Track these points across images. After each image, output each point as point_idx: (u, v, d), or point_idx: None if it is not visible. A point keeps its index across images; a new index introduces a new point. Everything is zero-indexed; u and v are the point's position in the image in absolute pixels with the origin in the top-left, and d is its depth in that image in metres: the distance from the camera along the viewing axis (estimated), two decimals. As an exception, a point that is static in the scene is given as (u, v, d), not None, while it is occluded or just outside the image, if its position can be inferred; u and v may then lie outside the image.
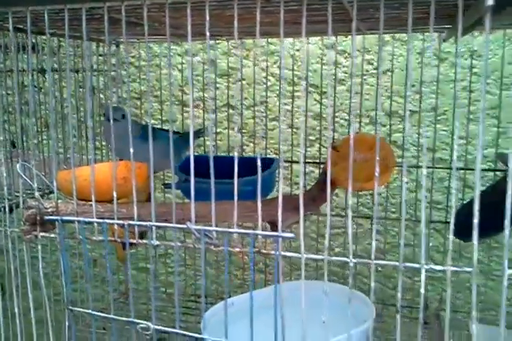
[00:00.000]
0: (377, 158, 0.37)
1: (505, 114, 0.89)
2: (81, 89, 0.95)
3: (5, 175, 0.43)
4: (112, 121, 0.42)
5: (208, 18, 0.34)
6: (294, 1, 0.37)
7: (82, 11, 0.39)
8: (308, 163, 0.95)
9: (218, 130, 1.04)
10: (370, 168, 0.70)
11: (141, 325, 0.39)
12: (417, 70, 0.91)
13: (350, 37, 0.92)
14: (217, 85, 1.03)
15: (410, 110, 0.95)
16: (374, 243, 0.35)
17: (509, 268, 0.34)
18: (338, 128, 0.98)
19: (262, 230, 0.39)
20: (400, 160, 0.97)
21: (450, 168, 0.91)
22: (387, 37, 0.91)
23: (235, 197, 0.39)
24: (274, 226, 0.62)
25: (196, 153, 1.01)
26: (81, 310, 0.42)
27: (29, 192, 0.52)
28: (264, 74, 0.99)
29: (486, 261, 0.90)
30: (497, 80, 0.90)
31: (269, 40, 0.97)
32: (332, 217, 0.96)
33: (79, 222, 0.40)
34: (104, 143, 0.93)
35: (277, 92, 1.00)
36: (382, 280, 1.02)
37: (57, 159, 0.53)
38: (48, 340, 0.50)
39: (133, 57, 1.07)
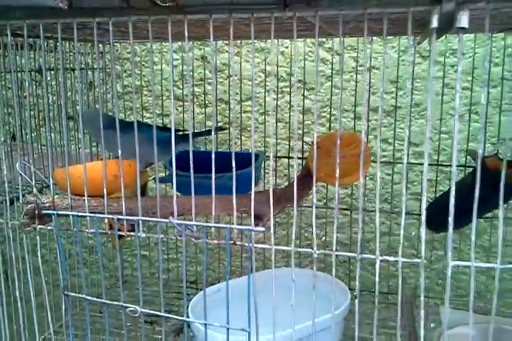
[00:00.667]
0: (363, 152, 0.41)
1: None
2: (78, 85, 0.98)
3: (5, 171, 0.47)
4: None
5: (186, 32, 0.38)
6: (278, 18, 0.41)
7: (74, 24, 0.43)
8: (292, 158, 0.99)
9: (210, 124, 1.08)
10: (346, 164, 0.74)
11: (130, 309, 0.44)
12: (400, 67, 0.95)
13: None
14: (210, 81, 1.07)
15: (393, 106, 0.99)
16: (335, 235, 0.39)
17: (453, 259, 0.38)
18: (325, 123, 1.03)
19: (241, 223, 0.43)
20: (385, 153, 1.01)
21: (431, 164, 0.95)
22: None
23: (213, 192, 0.43)
24: (257, 219, 0.66)
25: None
26: (76, 295, 0.46)
27: (29, 185, 0.56)
28: (254, 71, 1.03)
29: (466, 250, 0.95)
30: (477, 78, 0.94)
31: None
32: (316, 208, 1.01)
33: (73, 215, 0.45)
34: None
35: (266, 88, 1.04)
36: (367, 268, 1.07)
37: (53, 156, 0.56)
38: (48, 324, 0.55)
39: (128, 52, 1.11)
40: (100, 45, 0.92)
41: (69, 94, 0.94)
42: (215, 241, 0.42)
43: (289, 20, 0.39)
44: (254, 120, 1.03)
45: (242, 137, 1.06)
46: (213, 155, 0.47)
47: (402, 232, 0.38)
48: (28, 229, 0.47)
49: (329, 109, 1.01)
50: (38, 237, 0.47)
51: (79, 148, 0.89)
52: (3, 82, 0.82)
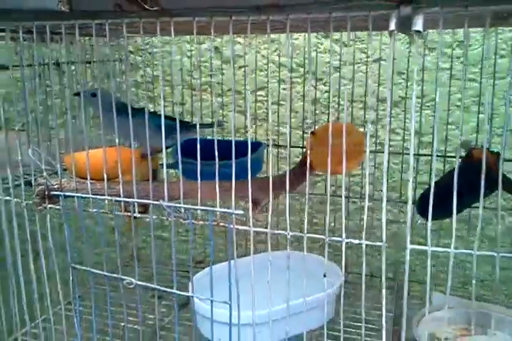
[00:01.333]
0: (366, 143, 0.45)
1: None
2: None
3: (19, 156, 0.53)
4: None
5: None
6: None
7: (76, 25, 0.48)
8: (294, 147, 1.02)
9: (224, 112, 1.13)
10: (341, 153, 0.77)
11: (126, 281, 0.49)
12: (407, 59, 0.97)
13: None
14: (223, 71, 1.11)
15: (400, 96, 1.01)
16: (305, 219, 0.43)
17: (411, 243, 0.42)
18: (334, 113, 1.06)
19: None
20: (393, 143, 1.04)
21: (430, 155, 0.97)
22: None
23: (199, 179, 0.48)
24: (254, 204, 0.71)
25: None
26: (81, 267, 0.52)
27: (48, 169, 0.61)
28: (265, 61, 1.06)
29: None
30: (484, 69, 0.95)
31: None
32: (323, 195, 1.04)
33: (77, 196, 0.50)
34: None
35: (277, 78, 1.07)
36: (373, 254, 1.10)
37: (69, 142, 0.61)
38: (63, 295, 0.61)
39: (147, 44, 1.16)
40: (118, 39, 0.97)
41: (90, 83, 1.00)
42: (201, 222, 0.46)
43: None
44: (247, 110, 1.07)
45: (255, 126, 1.10)
46: (215, 143, 0.51)
47: (365, 217, 0.42)
48: (39, 208, 0.53)
49: (337, 99, 1.04)
50: (48, 215, 0.53)
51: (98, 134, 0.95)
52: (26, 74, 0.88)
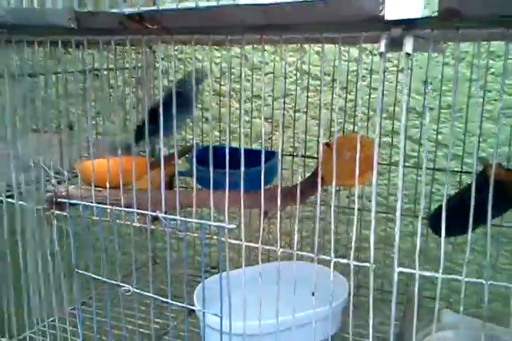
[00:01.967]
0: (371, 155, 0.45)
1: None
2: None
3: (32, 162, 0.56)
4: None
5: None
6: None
7: (84, 41, 0.50)
8: (307, 156, 1.02)
9: (247, 119, 1.13)
10: (354, 166, 0.76)
11: (124, 288, 0.51)
12: (436, 68, 0.95)
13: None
14: (249, 78, 1.12)
15: (427, 107, 0.99)
16: (296, 235, 0.44)
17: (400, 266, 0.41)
18: (357, 122, 1.04)
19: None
20: (414, 154, 1.02)
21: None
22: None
23: (227, 187, 0.49)
24: (263, 214, 0.71)
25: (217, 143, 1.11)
26: (84, 272, 0.54)
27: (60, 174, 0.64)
28: (290, 69, 1.07)
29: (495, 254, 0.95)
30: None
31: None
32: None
33: (82, 204, 0.52)
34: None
35: (302, 86, 1.07)
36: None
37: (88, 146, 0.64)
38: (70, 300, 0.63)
39: (176, 50, 1.18)
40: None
41: (121, 88, 1.03)
42: (195, 235, 0.47)
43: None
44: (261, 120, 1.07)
45: (277, 133, 1.11)
46: (227, 152, 0.52)
47: (354, 235, 0.42)
48: (48, 213, 0.55)
49: (362, 109, 1.03)
50: (55, 221, 0.55)
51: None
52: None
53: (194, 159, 0.61)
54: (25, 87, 0.65)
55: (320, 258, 0.43)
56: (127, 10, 0.43)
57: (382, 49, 0.38)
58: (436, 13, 0.35)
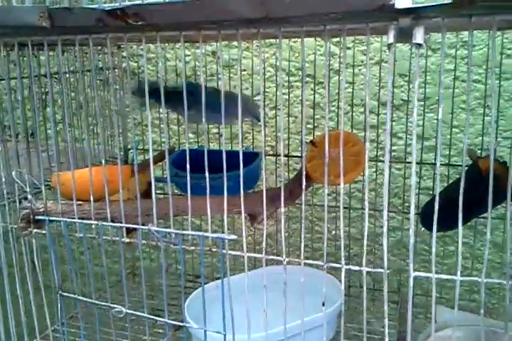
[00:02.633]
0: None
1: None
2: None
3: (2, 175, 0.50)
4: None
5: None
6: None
7: (59, 41, 0.45)
8: (290, 156, 0.99)
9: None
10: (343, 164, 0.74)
11: (116, 309, 0.47)
12: (409, 60, 0.94)
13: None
14: (220, 76, 1.08)
15: (402, 99, 0.98)
16: (303, 244, 0.41)
17: (414, 270, 0.39)
18: (334, 118, 1.02)
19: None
20: (395, 147, 1.01)
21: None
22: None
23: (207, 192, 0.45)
24: (252, 218, 0.68)
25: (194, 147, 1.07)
26: (69, 294, 0.50)
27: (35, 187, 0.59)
28: (263, 66, 1.03)
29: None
30: (487, 70, 0.92)
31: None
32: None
33: (63, 221, 0.48)
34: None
35: (276, 82, 1.04)
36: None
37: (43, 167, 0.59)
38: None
39: (142, 49, 1.13)
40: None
41: (87, 91, 0.97)
42: (192, 248, 0.44)
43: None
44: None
45: (254, 131, 1.07)
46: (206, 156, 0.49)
47: (365, 241, 0.39)
48: (24, 232, 0.50)
49: (338, 103, 1.01)
50: (34, 241, 0.50)
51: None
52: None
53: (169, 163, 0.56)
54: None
55: (330, 265, 0.41)
56: (107, 5, 0.39)
57: (391, 40, 0.36)
58: (449, 0, 0.33)
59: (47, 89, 0.86)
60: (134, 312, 0.46)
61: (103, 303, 0.47)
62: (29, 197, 0.50)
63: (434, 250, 0.37)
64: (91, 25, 0.43)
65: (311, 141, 0.74)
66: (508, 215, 0.37)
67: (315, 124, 1.02)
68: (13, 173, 0.49)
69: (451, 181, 0.92)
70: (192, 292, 0.69)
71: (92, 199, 0.49)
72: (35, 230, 0.50)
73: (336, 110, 1.01)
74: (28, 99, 0.88)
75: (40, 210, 0.50)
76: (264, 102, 1.05)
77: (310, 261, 0.42)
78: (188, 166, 0.46)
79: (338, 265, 0.41)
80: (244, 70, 1.05)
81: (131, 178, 0.62)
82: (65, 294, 0.50)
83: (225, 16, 0.38)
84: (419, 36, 0.35)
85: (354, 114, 1.00)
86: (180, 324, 0.45)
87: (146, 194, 0.80)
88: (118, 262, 1.06)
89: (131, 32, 0.43)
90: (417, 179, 0.99)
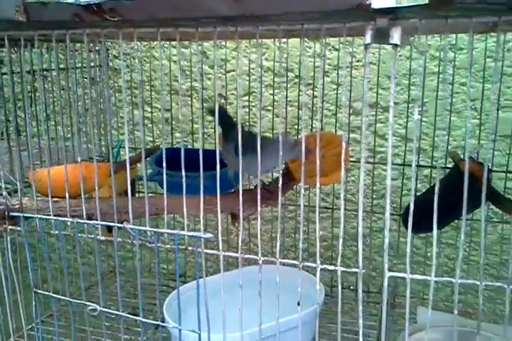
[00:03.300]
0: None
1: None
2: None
3: None
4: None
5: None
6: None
7: (35, 36, 0.45)
8: None
9: (210, 118, 1.09)
10: (325, 164, 0.74)
11: (90, 307, 0.46)
12: (397, 63, 0.94)
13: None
14: (209, 76, 1.08)
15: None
16: (279, 242, 0.40)
17: (389, 270, 0.39)
18: (323, 118, 1.02)
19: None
20: (382, 149, 1.01)
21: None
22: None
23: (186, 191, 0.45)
24: (234, 218, 0.68)
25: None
26: (43, 292, 0.49)
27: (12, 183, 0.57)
28: (252, 66, 1.03)
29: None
30: (476, 73, 0.92)
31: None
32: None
33: (38, 218, 0.47)
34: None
35: (265, 83, 1.04)
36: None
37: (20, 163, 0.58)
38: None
39: (131, 48, 1.12)
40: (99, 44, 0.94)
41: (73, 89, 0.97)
42: (167, 246, 0.43)
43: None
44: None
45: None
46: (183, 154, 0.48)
47: (340, 241, 0.39)
48: (-1, 229, 0.50)
49: (328, 104, 1.01)
50: (8, 237, 0.50)
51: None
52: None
53: (146, 163, 0.56)
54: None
55: (305, 265, 0.40)
56: (84, 0, 0.38)
57: (368, 40, 0.36)
58: (426, 1, 0.33)
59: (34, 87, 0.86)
60: (108, 311, 0.46)
61: (77, 301, 0.47)
62: (4, 193, 0.49)
63: (408, 250, 0.37)
64: (68, 21, 0.43)
65: (294, 141, 0.73)
66: (482, 216, 0.37)
67: (303, 125, 1.01)
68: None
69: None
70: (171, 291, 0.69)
71: (67, 196, 0.48)
72: (9, 227, 0.50)
73: (324, 111, 1.01)
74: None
75: (16, 207, 0.50)
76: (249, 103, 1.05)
77: (285, 260, 0.42)
78: (164, 164, 0.46)
79: (313, 264, 0.41)
80: (233, 70, 1.05)
81: (114, 176, 0.61)
82: (39, 292, 0.49)
83: (202, 13, 0.38)
84: (396, 37, 0.35)
85: (341, 115, 1.00)
86: (154, 322, 0.44)
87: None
88: (101, 261, 1.05)
89: (108, 28, 0.43)
90: (400, 180, 0.99)
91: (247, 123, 1.06)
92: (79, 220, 0.46)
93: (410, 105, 0.98)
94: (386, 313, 0.38)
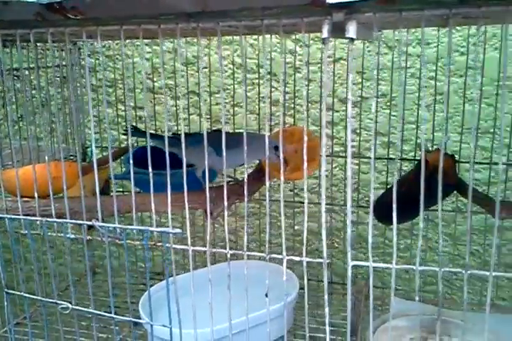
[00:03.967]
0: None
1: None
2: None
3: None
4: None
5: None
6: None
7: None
8: None
9: (184, 116, 1.09)
10: (297, 159, 0.75)
11: (62, 306, 0.46)
12: (366, 58, 0.96)
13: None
14: (182, 73, 1.08)
15: (362, 96, 0.99)
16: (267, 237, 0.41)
17: (353, 259, 0.40)
18: (295, 114, 1.03)
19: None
20: (353, 143, 1.02)
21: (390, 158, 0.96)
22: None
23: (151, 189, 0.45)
24: (208, 214, 0.68)
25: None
26: (15, 292, 0.49)
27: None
28: (224, 63, 1.04)
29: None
30: (443, 67, 0.94)
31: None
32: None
33: (8, 218, 0.47)
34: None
35: (238, 80, 1.04)
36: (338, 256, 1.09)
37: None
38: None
39: (103, 46, 1.12)
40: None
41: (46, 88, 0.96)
42: (136, 243, 0.44)
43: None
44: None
45: (214, 128, 1.08)
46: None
47: (305, 234, 0.40)
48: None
49: (300, 100, 1.02)
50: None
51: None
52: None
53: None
54: None
55: (272, 257, 0.41)
56: (44, -2, 0.38)
57: (326, 35, 0.37)
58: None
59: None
60: (80, 308, 0.46)
61: (48, 300, 0.47)
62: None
63: (370, 240, 0.38)
64: (31, 20, 0.43)
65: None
66: (439, 207, 0.39)
67: (275, 121, 1.02)
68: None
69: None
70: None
71: (36, 195, 0.48)
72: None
73: (296, 107, 1.02)
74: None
75: (-15, 207, 0.50)
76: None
77: (253, 253, 0.43)
78: (131, 162, 0.46)
79: (279, 256, 0.42)
80: (206, 67, 1.05)
81: (87, 175, 0.61)
82: (11, 292, 0.49)
83: (164, 10, 0.38)
84: (352, 30, 0.36)
85: (314, 110, 1.01)
86: (127, 319, 0.45)
87: (104, 191, 0.79)
88: (79, 261, 1.05)
89: (71, 26, 0.43)
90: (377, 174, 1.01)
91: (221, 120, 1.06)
92: (48, 219, 0.46)
93: (380, 100, 1.00)
94: (352, 302, 0.39)
